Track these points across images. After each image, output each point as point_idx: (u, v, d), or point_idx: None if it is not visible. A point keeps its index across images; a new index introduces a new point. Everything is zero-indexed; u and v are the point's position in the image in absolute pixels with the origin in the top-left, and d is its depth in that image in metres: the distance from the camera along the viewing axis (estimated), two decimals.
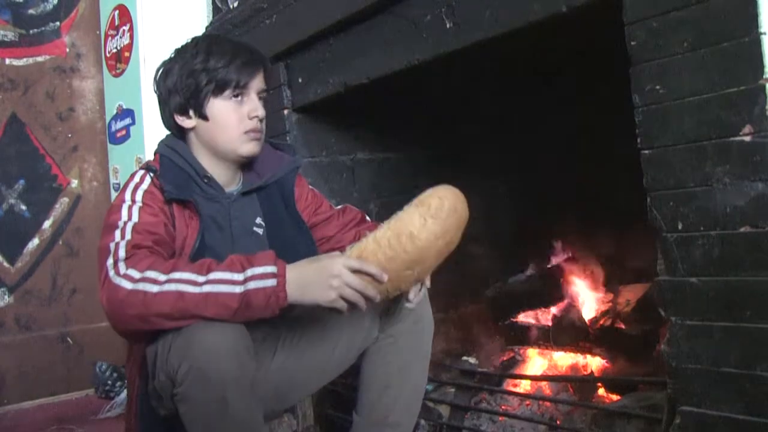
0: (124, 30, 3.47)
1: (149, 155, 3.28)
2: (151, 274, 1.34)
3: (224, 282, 1.34)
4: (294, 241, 1.68)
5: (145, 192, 1.52)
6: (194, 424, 1.37)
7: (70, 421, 3.01)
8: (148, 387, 1.49)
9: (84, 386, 3.50)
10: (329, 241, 1.76)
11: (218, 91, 1.57)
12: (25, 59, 3.57)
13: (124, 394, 3.04)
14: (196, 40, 1.63)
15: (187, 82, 1.58)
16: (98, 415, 3.06)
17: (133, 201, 1.50)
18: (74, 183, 3.68)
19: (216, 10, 3.02)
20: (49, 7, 3.64)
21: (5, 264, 3.47)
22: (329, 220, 1.78)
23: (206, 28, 2.89)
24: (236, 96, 1.59)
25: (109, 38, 3.60)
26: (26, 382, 3.42)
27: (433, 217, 1.39)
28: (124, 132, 3.51)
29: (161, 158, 1.61)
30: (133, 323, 1.35)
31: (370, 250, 1.40)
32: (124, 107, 3.51)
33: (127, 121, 3.47)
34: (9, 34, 3.53)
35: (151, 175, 1.56)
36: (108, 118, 3.68)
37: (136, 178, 1.56)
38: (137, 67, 3.36)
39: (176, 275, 1.34)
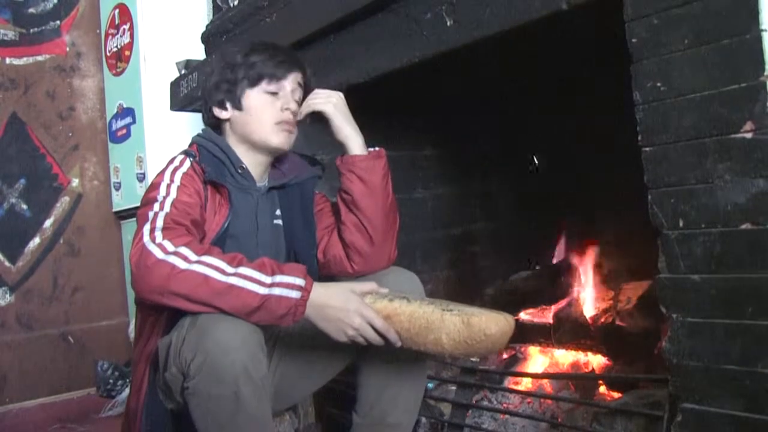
0: (124, 29, 3.47)
1: (150, 154, 3.33)
2: (184, 250, 1.37)
3: (251, 279, 1.36)
4: (299, 237, 1.74)
5: (184, 174, 1.57)
6: (203, 418, 1.37)
7: (71, 420, 3.02)
8: (156, 380, 1.50)
9: (85, 385, 3.51)
10: (330, 226, 1.78)
11: (254, 82, 1.65)
12: (25, 58, 3.57)
13: (125, 393, 3.04)
14: (238, 44, 1.76)
15: (226, 76, 1.66)
16: (100, 414, 3.06)
17: (172, 180, 1.54)
18: (75, 182, 3.69)
19: (216, 8, 3.02)
20: (50, 6, 3.64)
21: (6, 263, 3.47)
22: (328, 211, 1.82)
23: (207, 26, 2.89)
24: (271, 90, 1.66)
25: (110, 37, 3.61)
26: (28, 381, 3.43)
27: (469, 343, 1.40)
28: (124, 131, 3.52)
29: (199, 147, 1.66)
30: (152, 293, 1.37)
31: (399, 321, 1.43)
32: (125, 106, 3.51)
33: (128, 119, 3.48)
34: (9, 33, 3.53)
35: (191, 159, 1.61)
36: (108, 117, 3.68)
37: (176, 162, 1.60)
38: (137, 66, 3.37)
39: (207, 259, 1.37)
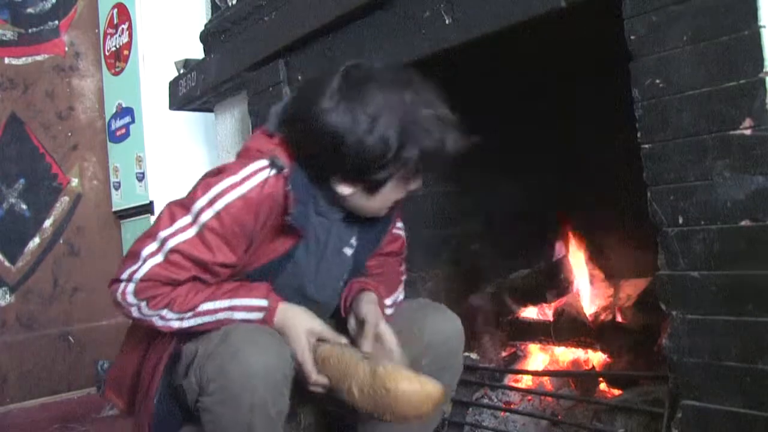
0: (123, 28, 3.47)
1: (149, 153, 3.33)
2: (147, 312, 1.36)
3: (211, 313, 1.37)
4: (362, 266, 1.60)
5: (238, 200, 1.32)
6: None
7: (72, 419, 3.02)
8: (172, 378, 1.47)
9: (85, 385, 3.51)
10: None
11: (406, 180, 1.38)
12: (24, 58, 3.57)
13: None
14: (414, 95, 1.34)
15: (403, 158, 1.30)
16: (100, 414, 3.06)
17: (210, 205, 1.32)
18: (74, 182, 3.69)
19: (215, 7, 3.01)
20: (48, 6, 3.64)
21: (6, 263, 3.47)
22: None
23: (205, 25, 2.89)
24: (411, 189, 1.42)
25: (108, 37, 3.60)
26: (28, 381, 3.43)
27: (373, 396, 1.30)
28: (123, 130, 3.52)
29: (296, 150, 1.37)
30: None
31: (330, 364, 1.37)
32: (124, 106, 3.51)
33: (127, 119, 3.47)
34: (8, 33, 3.53)
35: (273, 172, 1.34)
36: (108, 117, 3.68)
37: (245, 172, 1.33)
38: (136, 66, 3.37)
39: (172, 315, 1.36)
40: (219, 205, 1.31)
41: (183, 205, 1.36)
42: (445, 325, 1.52)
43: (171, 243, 1.32)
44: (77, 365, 3.55)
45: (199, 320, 1.36)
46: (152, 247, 1.33)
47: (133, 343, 1.56)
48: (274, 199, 1.34)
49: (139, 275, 1.33)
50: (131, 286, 1.34)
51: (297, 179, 1.35)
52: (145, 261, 1.33)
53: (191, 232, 1.32)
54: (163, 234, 1.33)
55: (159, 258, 1.33)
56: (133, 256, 1.35)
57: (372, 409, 1.32)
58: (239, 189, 1.32)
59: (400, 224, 1.67)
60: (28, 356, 3.45)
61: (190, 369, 1.37)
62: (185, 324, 1.37)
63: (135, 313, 1.37)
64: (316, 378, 1.36)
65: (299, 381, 1.39)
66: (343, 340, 1.43)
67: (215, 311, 1.36)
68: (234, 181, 1.32)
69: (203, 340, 1.37)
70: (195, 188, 1.37)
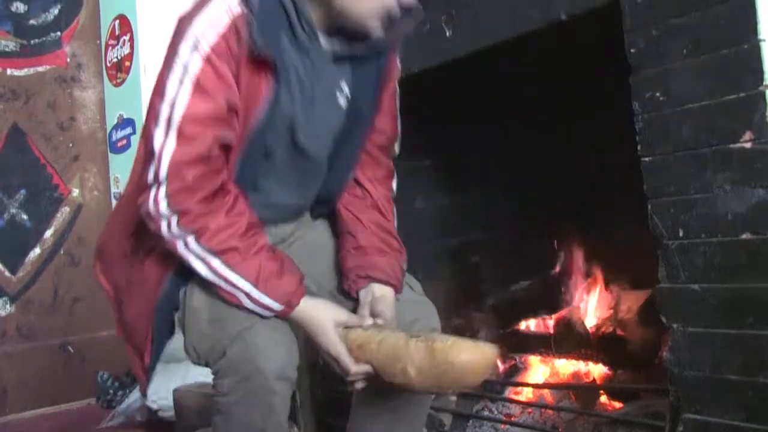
0: (124, 40, 3.48)
1: None
2: (176, 230, 1.24)
3: (232, 285, 1.28)
4: (361, 128, 1.47)
5: (218, 41, 1.21)
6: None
7: (71, 430, 3.01)
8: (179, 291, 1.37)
9: (85, 395, 3.50)
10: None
11: None
12: (26, 69, 3.58)
13: (125, 404, 3.03)
14: None
15: None
16: (100, 425, 3.05)
17: (194, 51, 1.21)
18: (75, 192, 3.68)
19: None
20: (50, 17, 3.65)
21: (7, 273, 3.47)
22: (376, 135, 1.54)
23: None
24: None
25: (110, 48, 3.62)
26: (28, 391, 3.41)
27: (435, 373, 1.25)
28: (125, 141, 3.53)
29: None
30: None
31: (370, 349, 1.30)
32: (125, 117, 3.52)
33: (128, 130, 3.48)
34: (10, 45, 3.54)
35: (241, 6, 1.22)
36: (109, 128, 3.69)
37: (215, 8, 1.22)
38: (138, 77, 3.38)
39: (197, 250, 1.25)
40: (203, 47, 1.21)
41: (162, 77, 1.25)
42: (421, 307, 1.52)
43: (175, 117, 1.21)
44: (77, 376, 3.53)
45: (215, 280, 1.27)
46: (159, 133, 1.22)
47: (129, 225, 1.42)
48: (245, 29, 1.22)
49: (163, 171, 1.21)
50: (162, 190, 1.22)
51: (265, 3, 1.24)
52: (161, 153, 1.21)
53: (186, 90, 1.21)
54: (163, 112, 1.22)
55: (172, 142, 1.21)
56: (150, 154, 1.23)
57: (432, 384, 1.28)
58: (216, 27, 1.22)
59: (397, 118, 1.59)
60: (28, 367, 3.44)
61: (200, 350, 1.32)
62: (203, 272, 1.26)
63: (164, 228, 1.24)
64: (356, 369, 1.30)
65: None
66: (369, 321, 1.36)
67: (234, 285, 1.26)
68: (210, 20, 1.23)
69: (215, 326, 1.30)
70: (162, 68, 1.27)
